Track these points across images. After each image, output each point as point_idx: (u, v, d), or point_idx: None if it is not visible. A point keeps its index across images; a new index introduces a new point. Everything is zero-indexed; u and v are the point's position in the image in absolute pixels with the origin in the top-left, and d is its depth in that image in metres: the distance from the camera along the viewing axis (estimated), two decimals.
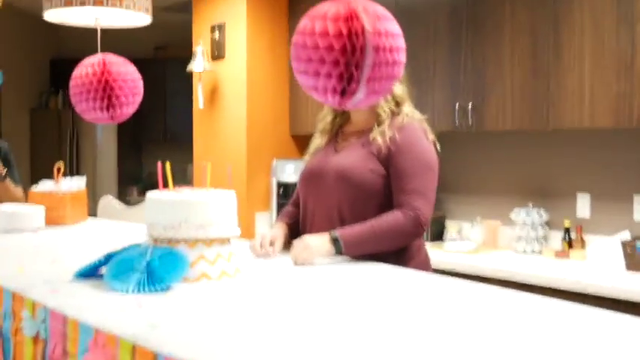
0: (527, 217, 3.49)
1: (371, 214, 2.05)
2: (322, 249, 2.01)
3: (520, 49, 3.31)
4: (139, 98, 2.31)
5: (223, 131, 4.84)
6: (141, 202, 3.81)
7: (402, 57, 1.39)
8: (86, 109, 2.24)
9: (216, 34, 4.86)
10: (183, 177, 7.48)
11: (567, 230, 3.38)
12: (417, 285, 1.75)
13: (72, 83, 2.27)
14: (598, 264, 3.13)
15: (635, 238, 3.02)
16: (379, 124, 2.14)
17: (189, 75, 5.02)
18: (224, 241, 1.78)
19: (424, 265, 2.16)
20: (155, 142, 7.57)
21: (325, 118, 2.35)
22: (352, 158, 2.12)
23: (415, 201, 2.02)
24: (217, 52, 4.86)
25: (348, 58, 1.32)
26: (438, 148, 2.17)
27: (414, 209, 2.01)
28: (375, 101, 1.43)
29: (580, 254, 3.31)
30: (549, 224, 3.54)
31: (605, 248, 3.21)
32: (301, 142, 4.90)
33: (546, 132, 3.50)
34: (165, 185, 1.86)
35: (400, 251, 2.10)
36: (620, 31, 2.99)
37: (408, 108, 2.16)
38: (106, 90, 2.21)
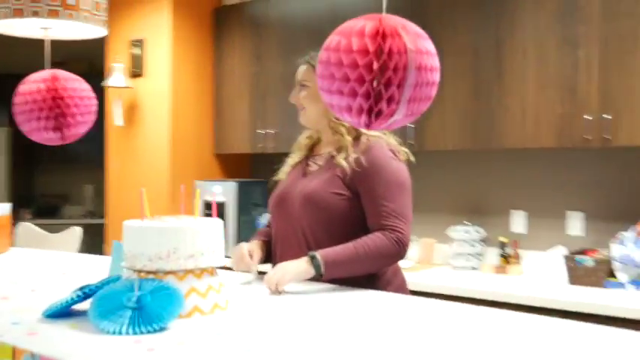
0: (465, 233, 3.54)
1: (338, 237, 1.98)
2: (299, 270, 1.92)
3: (462, 69, 3.36)
4: (92, 117, 2.12)
5: (143, 150, 4.62)
6: (64, 228, 3.55)
7: (438, 77, 1.34)
8: (34, 129, 2.03)
9: (136, 50, 4.65)
10: (80, 198, 7.10)
11: (503, 245, 3.45)
12: (405, 309, 1.73)
13: (17, 100, 2.05)
14: (536, 278, 3.21)
15: (573, 253, 3.12)
16: (342, 145, 2.09)
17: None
18: (212, 271, 1.66)
19: (402, 288, 2.12)
20: (50, 162, 7.10)
21: (299, 138, 2.29)
22: (316, 182, 2.06)
23: (394, 223, 1.96)
24: (136, 69, 4.64)
25: (386, 77, 1.25)
26: (412, 159, 2.13)
27: (395, 231, 1.95)
28: (407, 123, 1.36)
29: (517, 269, 3.39)
30: (485, 241, 3.60)
31: (541, 262, 3.30)
32: (225, 162, 4.77)
33: (487, 151, 3.57)
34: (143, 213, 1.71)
35: (377, 275, 2.05)
36: (564, 53, 3.09)
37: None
38: (54, 109, 2.01)
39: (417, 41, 1.29)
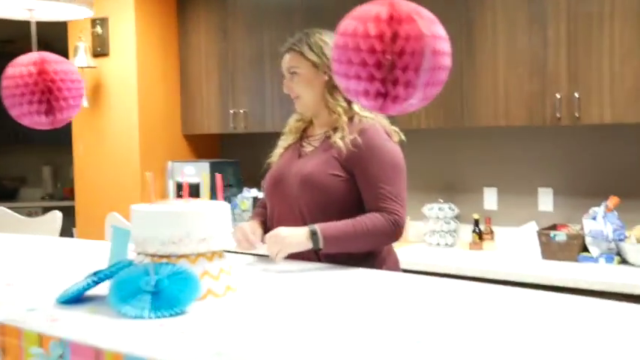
0: (439, 211, 3.63)
1: (336, 218, 2.03)
2: (297, 241, 1.99)
3: None
4: (80, 101, 2.11)
5: (111, 131, 4.56)
6: (23, 212, 3.50)
7: (449, 62, 1.39)
8: (25, 113, 2.00)
9: (99, 29, 4.57)
10: (38, 180, 6.95)
11: (477, 222, 3.56)
12: (403, 286, 1.81)
13: (4, 84, 2.02)
14: (510, 254, 3.33)
15: (544, 228, 3.25)
16: (338, 126, 2.13)
17: None
18: (221, 254, 1.69)
19: (395, 267, 2.19)
20: (4, 144, 6.87)
21: (290, 121, 2.31)
22: (313, 163, 2.10)
23: (392, 205, 2.02)
24: (100, 48, 4.57)
25: (404, 62, 1.30)
26: (404, 139, 2.19)
27: (392, 213, 2.02)
28: (421, 107, 1.41)
29: (491, 245, 3.51)
30: (459, 218, 3.71)
31: (514, 238, 3.43)
32: (194, 142, 4.76)
33: (459, 130, 3.66)
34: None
35: (373, 255, 2.11)
36: (533, 32, 3.19)
37: (357, 106, 2.17)
38: (45, 92, 1.99)
39: (430, 26, 1.33)
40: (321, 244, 1.99)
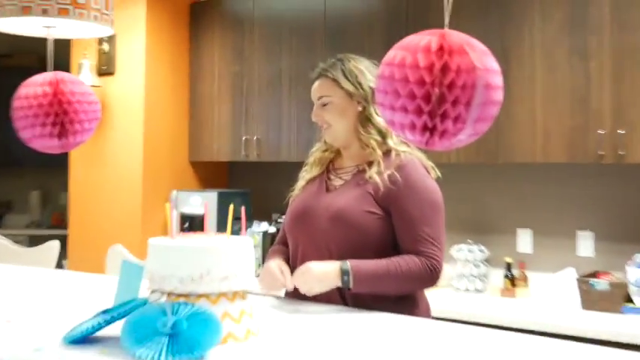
0: (468, 253, 3.63)
1: (367, 258, 2.04)
2: (327, 279, 2.00)
3: None
4: (95, 124, 2.13)
5: (113, 155, 4.60)
6: (31, 240, 3.52)
7: (501, 96, 1.41)
8: (37, 135, 2.03)
9: (105, 46, 4.64)
10: (25, 206, 6.94)
11: (509, 266, 3.56)
12: (437, 335, 1.81)
13: (17, 104, 2.04)
14: (546, 302, 3.31)
15: (586, 275, 3.23)
16: (373, 160, 2.14)
17: None
18: (244, 295, 1.69)
19: (426, 313, 2.18)
20: None
21: (315, 151, 2.32)
22: (346, 198, 2.10)
23: (430, 249, 2.02)
24: (106, 67, 4.63)
25: (454, 95, 1.32)
26: (439, 175, 2.20)
27: (430, 258, 2.02)
28: (468, 143, 1.43)
29: (524, 292, 3.49)
30: (490, 261, 3.71)
31: (550, 285, 3.41)
32: (201, 170, 4.79)
33: (493, 166, 3.68)
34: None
35: (404, 299, 2.11)
36: (573, 64, 3.22)
37: (392, 140, 2.18)
38: (59, 114, 2.01)
39: (482, 58, 1.35)
40: (351, 284, 2.00)
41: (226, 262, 1.62)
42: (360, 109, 2.16)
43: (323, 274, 2.00)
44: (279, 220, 4.24)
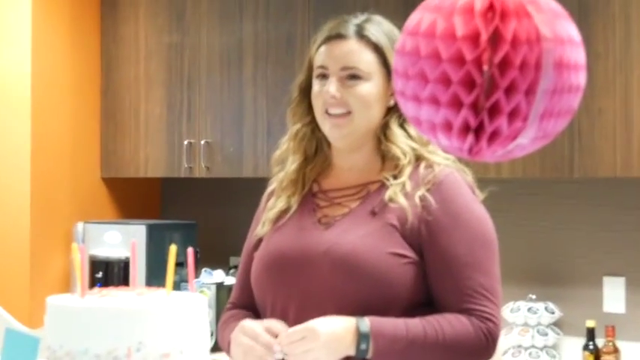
0: (530, 314, 3.66)
1: None
2: (337, 346, 2.01)
3: None
4: None
5: None
6: None
7: (584, 80, 1.42)
8: None
9: None
10: None
11: (591, 333, 3.58)
12: None
13: None
14: None
15: None
16: (396, 174, 2.16)
17: None
18: None
19: None
20: None
21: (287, 165, 2.30)
22: (358, 235, 2.11)
23: (484, 305, 2.05)
24: None
25: (509, 79, 1.33)
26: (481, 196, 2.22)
27: (484, 319, 2.05)
28: (534, 149, 1.45)
29: None
30: (562, 326, 3.74)
31: None
32: (120, 192, 4.80)
33: (565, 183, 3.71)
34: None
35: None
36: None
37: (434, 147, 2.19)
38: None
39: (554, 23, 1.37)
40: (369, 354, 2.01)
41: (167, 331, 1.63)
42: (392, 102, 2.17)
43: (333, 339, 2.00)
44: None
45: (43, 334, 1.71)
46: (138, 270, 4.17)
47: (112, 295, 1.73)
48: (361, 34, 2.17)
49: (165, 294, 1.75)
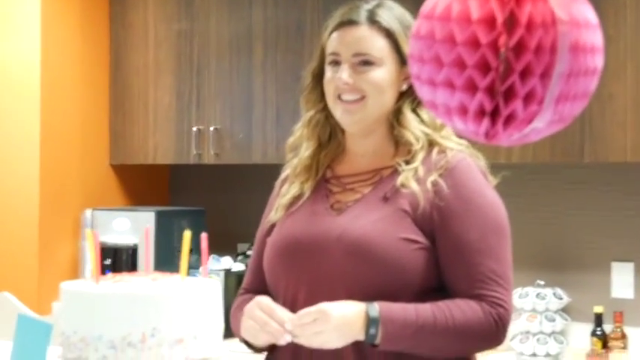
0: (538, 300, 3.67)
1: None
2: (348, 330, 2.01)
3: None
4: None
5: None
6: None
7: (601, 62, 1.42)
8: None
9: None
10: None
11: (599, 319, 3.59)
12: None
13: None
14: None
15: None
16: (409, 160, 2.16)
17: None
18: None
19: None
20: None
21: (301, 151, 2.31)
22: (370, 220, 2.11)
23: (495, 291, 2.05)
24: None
25: (524, 62, 1.33)
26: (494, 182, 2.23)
27: (496, 304, 2.05)
28: (550, 133, 1.44)
29: (623, 357, 3.52)
30: (570, 312, 3.74)
31: None
32: (129, 178, 4.81)
33: (575, 168, 3.71)
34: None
35: None
36: None
37: (447, 132, 2.20)
38: None
39: (570, 6, 1.36)
40: (378, 340, 2.02)
41: (182, 317, 1.65)
42: (405, 87, 2.18)
43: (344, 322, 2.01)
44: (248, 254, 4.25)
45: (53, 321, 1.72)
46: (145, 256, 4.24)
47: (126, 280, 1.74)
48: (373, 20, 2.17)
49: (179, 279, 1.75)
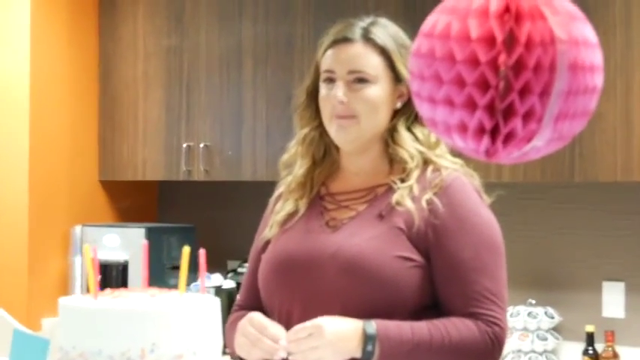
0: (529, 319, 3.68)
1: None
2: (344, 345, 2.02)
3: None
4: None
5: None
6: None
7: (600, 81, 1.44)
8: None
9: None
10: None
11: (591, 338, 3.60)
12: None
13: None
14: None
15: None
16: (404, 178, 2.16)
17: None
18: None
19: None
20: None
21: (295, 168, 2.31)
22: (365, 238, 2.12)
23: (490, 310, 2.06)
24: None
25: (523, 80, 1.35)
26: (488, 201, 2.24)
27: (491, 323, 2.06)
28: (550, 152, 1.46)
29: None
30: (561, 331, 3.76)
31: None
32: (118, 195, 4.80)
33: (565, 187, 3.73)
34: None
35: None
36: None
37: (441, 151, 2.21)
38: None
39: (569, 25, 1.38)
40: (375, 356, 2.02)
41: (181, 332, 1.64)
42: (399, 104, 2.19)
43: (339, 338, 2.02)
44: (239, 271, 4.26)
45: (53, 337, 1.72)
46: (137, 273, 4.24)
47: (125, 296, 1.74)
48: (367, 37, 2.18)
49: (177, 295, 1.76)
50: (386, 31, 2.21)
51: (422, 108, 1.46)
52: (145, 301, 1.68)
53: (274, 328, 2.08)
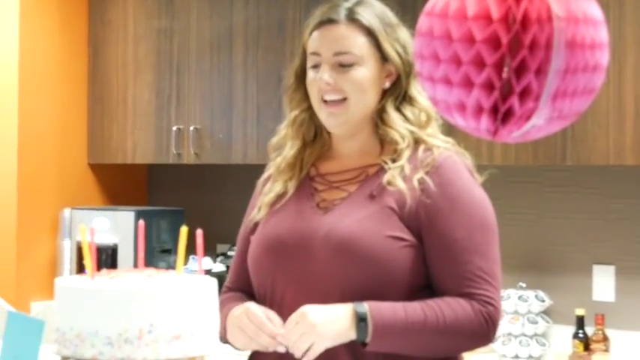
0: (520, 302, 3.70)
1: None
2: (336, 330, 2.02)
3: None
4: None
5: None
6: None
7: (604, 59, 1.44)
8: None
9: None
10: None
11: (581, 322, 3.62)
12: None
13: None
14: None
15: None
16: (395, 158, 2.17)
17: None
18: None
19: None
20: None
21: (285, 150, 2.31)
22: (356, 218, 2.12)
23: (484, 289, 2.06)
24: None
25: (519, 58, 1.35)
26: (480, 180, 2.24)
27: (485, 302, 2.06)
28: (553, 131, 1.47)
29: (604, 359, 3.55)
30: (552, 314, 3.78)
31: None
32: (107, 178, 4.79)
33: (557, 170, 3.75)
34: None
35: None
36: None
37: (432, 130, 2.22)
38: None
39: (569, 1, 1.39)
40: (368, 338, 2.02)
41: (179, 313, 1.65)
42: (387, 84, 2.20)
43: (325, 320, 2.02)
44: (229, 254, 4.26)
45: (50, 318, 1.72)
46: (126, 256, 4.24)
47: (122, 276, 1.74)
48: (352, 18, 2.18)
49: (175, 276, 1.76)
50: (372, 10, 2.21)
51: (424, 86, 1.47)
52: (142, 282, 1.68)
53: (272, 322, 2.07)
